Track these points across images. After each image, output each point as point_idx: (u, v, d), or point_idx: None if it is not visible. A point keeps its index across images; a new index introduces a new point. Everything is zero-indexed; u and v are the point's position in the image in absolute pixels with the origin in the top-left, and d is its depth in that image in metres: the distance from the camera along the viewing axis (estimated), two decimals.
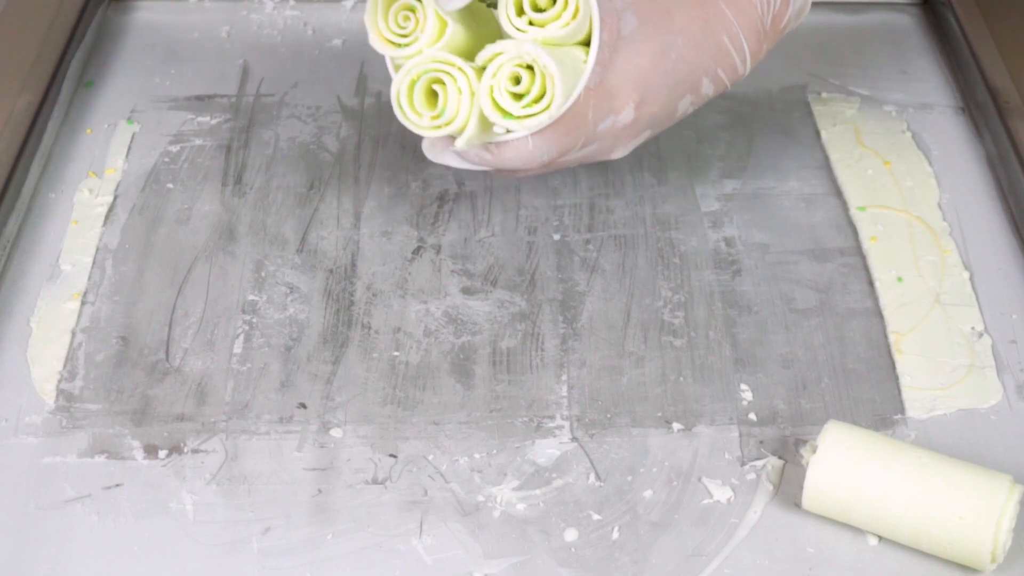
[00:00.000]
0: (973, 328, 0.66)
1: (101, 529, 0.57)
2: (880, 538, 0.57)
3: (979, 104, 0.79)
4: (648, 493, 0.59)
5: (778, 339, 0.66)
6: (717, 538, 0.57)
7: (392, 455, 0.60)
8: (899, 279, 0.69)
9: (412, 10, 0.59)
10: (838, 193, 0.74)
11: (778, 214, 0.73)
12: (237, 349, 0.65)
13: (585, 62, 0.59)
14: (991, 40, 0.81)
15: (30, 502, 0.58)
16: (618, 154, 0.65)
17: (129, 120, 0.78)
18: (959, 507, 0.54)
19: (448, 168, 0.63)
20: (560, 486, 0.59)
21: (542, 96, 0.58)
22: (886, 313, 0.67)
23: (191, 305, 0.67)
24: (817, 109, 0.79)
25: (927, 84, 0.82)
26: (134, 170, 0.75)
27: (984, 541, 0.53)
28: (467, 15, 0.60)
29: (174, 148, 0.77)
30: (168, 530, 0.57)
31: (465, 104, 0.58)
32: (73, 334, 0.66)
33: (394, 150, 0.76)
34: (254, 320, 0.66)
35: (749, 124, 0.79)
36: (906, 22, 0.87)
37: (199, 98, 0.80)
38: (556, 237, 0.71)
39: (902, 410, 0.62)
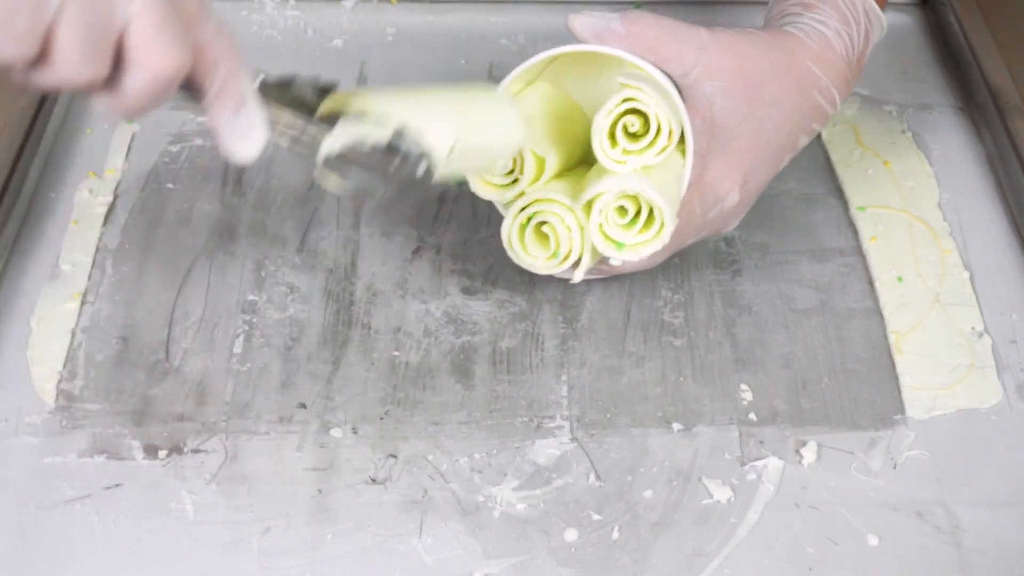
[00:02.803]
0: (973, 328, 0.66)
1: (101, 529, 0.57)
2: (880, 538, 0.57)
3: (979, 104, 0.79)
4: (648, 493, 0.59)
5: (778, 339, 0.66)
6: (717, 538, 0.57)
7: (392, 455, 0.60)
8: (899, 279, 0.69)
9: None
10: (838, 193, 0.74)
11: (778, 214, 0.73)
12: (237, 349, 0.65)
13: (684, 165, 0.59)
14: (991, 40, 0.81)
15: (30, 502, 0.58)
16: (730, 228, 0.65)
17: (129, 120, 0.78)
18: None
19: None
20: (560, 486, 0.59)
21: (651, 219, 0.58)
22: (886, 313, 0.67)
23: (191, 305, 0.67)
24: None
25: (927, 84, 0.82)
26: (134, 170, 0.75)
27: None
28: (561, 143, 0.60)
29: (174, 148, 0.77)
30: (168, 530, 0.57)
31: (576, 240, 0.59)
32: (73, 334, 0.66)
33: None
34: (254, 320, 0.66)
35: None
36: (906, 22, 0.87)
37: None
38: None
39: (902, 410, 0.62)
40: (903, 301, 0.67)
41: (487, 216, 0.72)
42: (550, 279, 0.69)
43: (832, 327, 0.67)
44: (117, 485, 0.59)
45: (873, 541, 0.57)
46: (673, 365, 0.65)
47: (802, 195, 0.74)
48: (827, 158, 0.76)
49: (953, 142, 0.78)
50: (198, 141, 0.77)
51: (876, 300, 0.68)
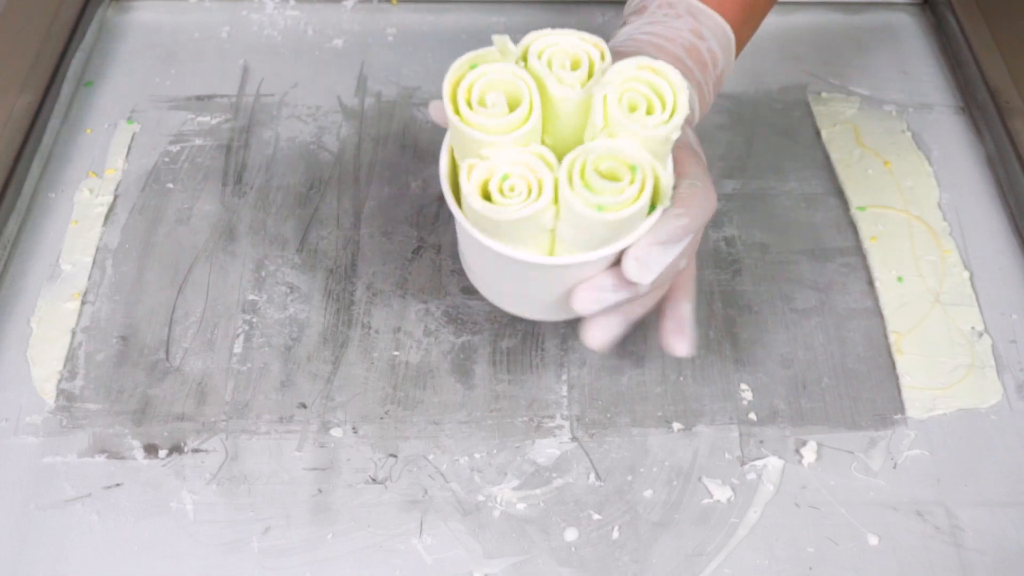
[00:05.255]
0: (973, 328, 0.66)
1: (101, 529, 0.57)
2: (880, 538, 0.57)
3: (979, 104, 0.79)
4: (648, 493, 0.59)
5: (778, 339, 0.66)
6: (717, 538, 0.57)
7: (392, 455, 0.60)
8: (899, 279, 0.69)
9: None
10: (838, 193, 0.74)
11: (778, 214, 0.73)
12: (237, 349, 0.65)
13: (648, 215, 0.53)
14: (991, 40, 0.81)
15: (30, 502, 0.58)
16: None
17: (129, 120, 0.78)
18: None
19: None
20: (560, 486, 0.59)
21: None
22: (886, 313, 0.67)
23: (191, 305, 0.67)
24: (817, 109, 0.79)
25: (927, 84, 0.82)
26: (134, 170, 0.75)
27: None
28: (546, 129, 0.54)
29: (174, 148, 0.77)
30: (168, 530, 0.57)
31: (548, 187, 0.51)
32: (73, 334, 0.66)
33: (394, 150, 0.76)
34: (254, 320, 0.66)
35: (749, 124, 0.79)
36: (906, 22, 0.87)
37: (199, 98, 0.80)
38: None
39: (902, 410, 0.62)
40: (903, 301, 0.67)
41: None
42: None
43: (832, 327, 0.67)
44: (117, 485, 0.59)
45: (873, 541, 0.57)
46: (673, 365, 0.65)
47: (802, 195, 0.74)
48: (827, 158, 0.76)
49: (953, 142, 0.78)
50: (198, 141, 0.77)
51: (876, 300, 0.68)
